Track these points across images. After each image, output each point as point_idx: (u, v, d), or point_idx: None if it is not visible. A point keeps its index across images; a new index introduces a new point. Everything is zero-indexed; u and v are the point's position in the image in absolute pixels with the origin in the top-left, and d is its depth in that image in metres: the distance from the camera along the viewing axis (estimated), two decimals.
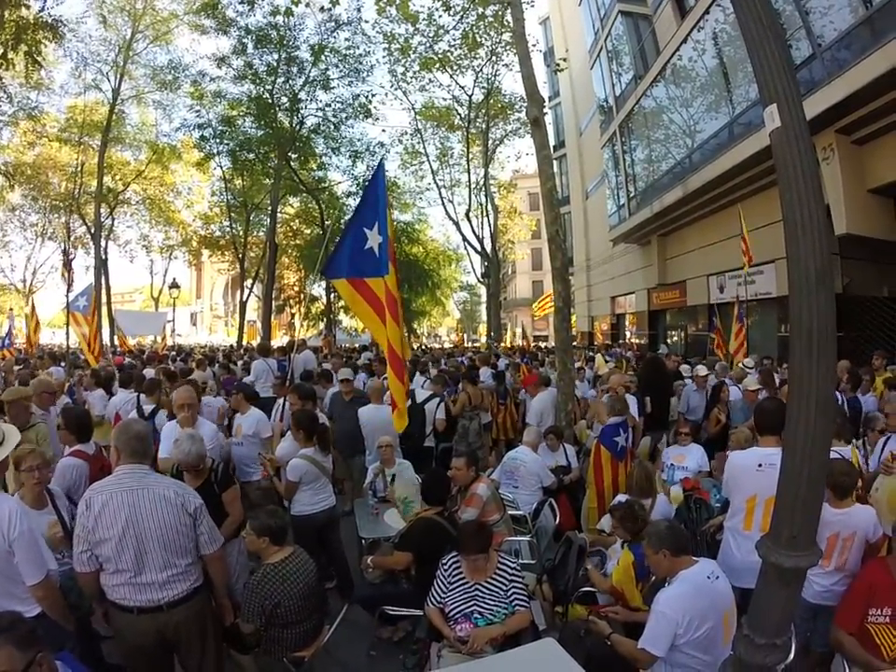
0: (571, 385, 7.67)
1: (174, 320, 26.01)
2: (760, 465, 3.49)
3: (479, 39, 19.11)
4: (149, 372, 8.44)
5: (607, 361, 11.93)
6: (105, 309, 24.30)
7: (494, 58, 19.96)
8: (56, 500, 3.36)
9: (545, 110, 8.65)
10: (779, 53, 1.70)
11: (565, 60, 19.08)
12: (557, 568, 4.14)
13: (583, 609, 3.63)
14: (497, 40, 19.16)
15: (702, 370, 8.51)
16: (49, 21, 12.99)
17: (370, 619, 3.96)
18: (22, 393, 5.08)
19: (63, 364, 12.14)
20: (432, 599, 3.41)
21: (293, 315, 35.73)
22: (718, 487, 5.03)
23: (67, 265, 12.43)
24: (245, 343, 26.06)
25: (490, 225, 24.59)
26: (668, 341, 20.43)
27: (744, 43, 1.78)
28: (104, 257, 25.81)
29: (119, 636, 2.90)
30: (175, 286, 24.88)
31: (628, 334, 24.95)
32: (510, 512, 4.94)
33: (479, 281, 26.84)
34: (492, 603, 3.28)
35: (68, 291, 12.66)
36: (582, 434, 7.15)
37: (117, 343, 22.86)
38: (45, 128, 24.38)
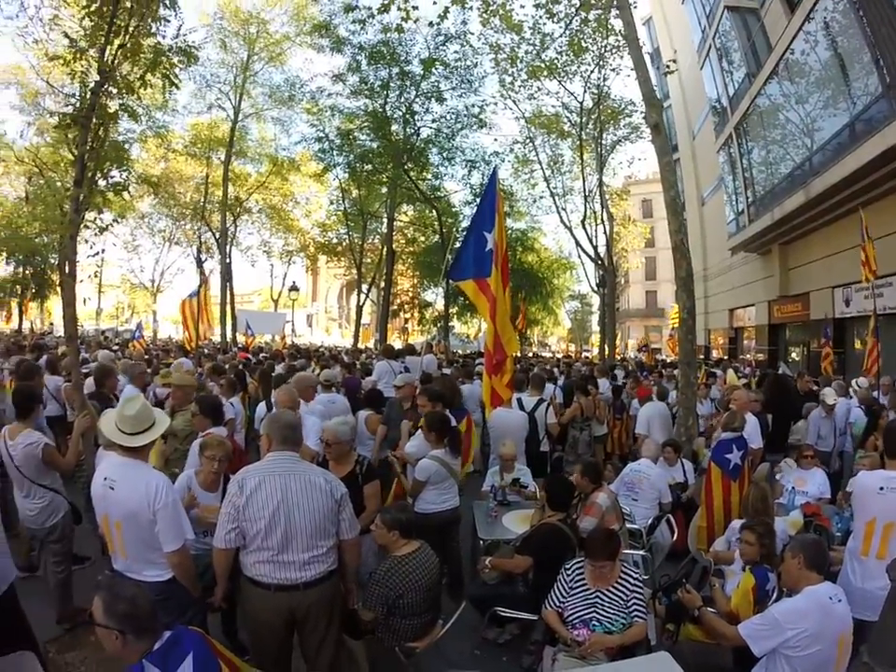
0: (693, 398, 7.32)
1: (293, 321, 27.52)
2: (882, 488, 3.38)
3: (584, 44, 18.82)
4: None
5: (739, 377, 11.30)
6: (228, 308, 26.33)
7: (601, 62, 19.57)
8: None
9: None
10: None
11: (675, 62, 18.34)
12: (675, 586, 4.17)
13: (695, 628, 3.63)
14: (603, 45, 18.79)
15: (830, 396, 7.41)
16: (184, 46, 14.39)
17: (477, 618, 4.08)
18: (190, 381, 5.87)
19: (191, 356, 13.41)
20: (551, 602, 3.49)
21: (406, 320, 36.89)
22: (840, 515, 4.87)
23: (200, 267, 14.11)
24: (360, 345, 27.21)
25: (605, 233, 24.04)
26: (789, 358, 18.97)
27: (860, 33, 1.76)
28: (228, 261, 27.63)
29: (250, 611, 3.04)
30: (294, 288, 26.34)
31: (746, 349, 23.56)
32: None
33: (593, 290, 26.34)
34: (611, 611, 3.33)
35: (199, 290, 14.26)
36: (700, 451, 6.97)
37: (241, 339, 24.41)
38: (171, 144, 26.52)
